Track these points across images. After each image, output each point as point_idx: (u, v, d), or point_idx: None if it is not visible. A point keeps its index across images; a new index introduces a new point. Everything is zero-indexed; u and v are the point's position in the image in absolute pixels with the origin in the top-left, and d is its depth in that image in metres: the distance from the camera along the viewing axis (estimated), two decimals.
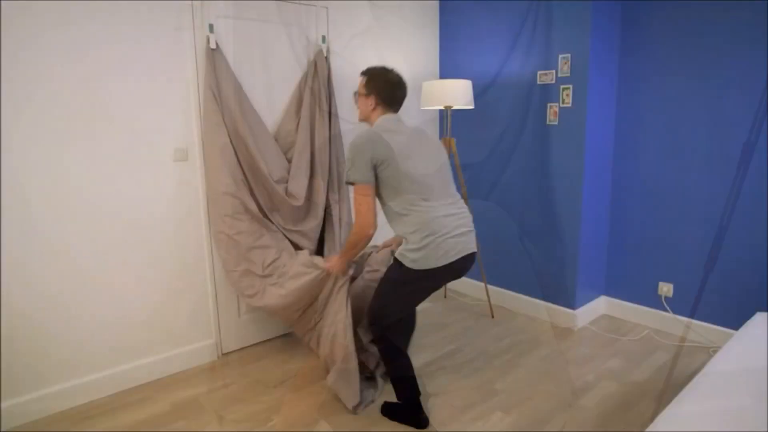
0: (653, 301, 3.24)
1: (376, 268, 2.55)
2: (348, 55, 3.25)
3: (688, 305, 3.08)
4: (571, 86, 3.05)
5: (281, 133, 2.91)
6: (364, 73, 2.17)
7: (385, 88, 2.11)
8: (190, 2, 2.56)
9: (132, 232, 2.54)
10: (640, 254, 3.26)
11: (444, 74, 3.84)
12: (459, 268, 2.06)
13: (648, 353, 2.91)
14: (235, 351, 3.01)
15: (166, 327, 2.72)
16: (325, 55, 2.98)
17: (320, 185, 2.94)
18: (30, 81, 2.16)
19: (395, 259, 2.09)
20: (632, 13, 3.09)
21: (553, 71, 3.13)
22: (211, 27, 2.60)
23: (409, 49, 3.64)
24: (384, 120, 2.11)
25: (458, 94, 3.10)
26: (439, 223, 2.00)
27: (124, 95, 2.42)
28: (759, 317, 2.15)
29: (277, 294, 2.53)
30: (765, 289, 2.75)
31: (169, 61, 2.54)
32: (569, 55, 3.03)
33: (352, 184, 2.01)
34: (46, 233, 2.28)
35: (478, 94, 3.56)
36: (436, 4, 3.77)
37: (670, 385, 2.54)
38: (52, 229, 2.30)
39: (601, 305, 3.49)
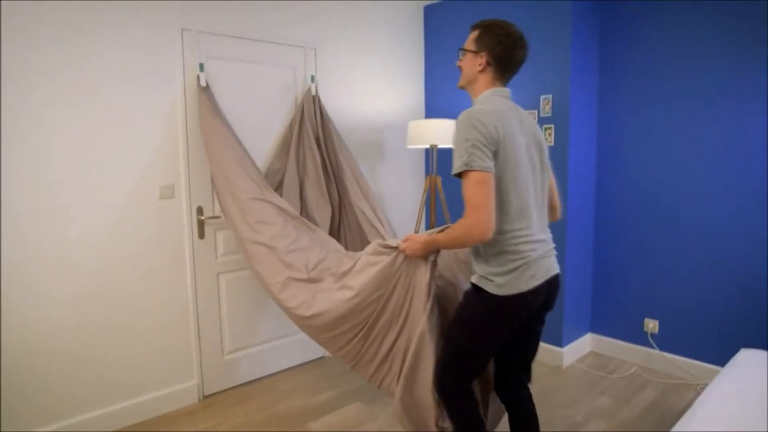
0: (639, 337, 3.25)
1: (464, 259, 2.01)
2: (335, 96, 3.31)
3: (674, 341, 3.10)
4: (553, 126, 3.14)
5: (271, 171, 2.93)
6: (475, 26, 1.70)
7: (503, 44, 1.62)
8: (180, 42, 2.61)
9: (111, 266, 2.49)
10: (625, 290, 3.29)
11: (429, 114, 3.93)
12: (546, 292, 1.69)
13: (636, 391, 2.90)
14: (218, 393, 2.92)
15: (143, 368, 2.63)
16: (313, 93, 3.03)
17: (320, 207, 2.90)
18: (12, 115, 2.17)
19: (472, 287, 1.68)
20: (609, 53, 3.22)
21: (536, 111, 3.22)
22: (201, 66, 2.65)
23: (396, 90, 3.73)
24: (496, 96, 1.65)
25: (443, 133, 3.17)
26: (531, 246, 1.62)
27: (111, 127, 2.43)
28: (744, 354, 2.16)
29: (336, 299, 2.01)
30: (749, 325, 2.78)
31: (157, 99, 2.56)
32: (551, 96, 3.13)
33: (460, 176, 1.53)
34: (21, 269, 2.23)
35: None
36: (422, 46, 3.89)
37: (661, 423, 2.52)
38: (29, 264, 2.24)
39: (588, 342, 3.49)
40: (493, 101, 1.62)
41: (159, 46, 2.54)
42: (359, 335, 2.00)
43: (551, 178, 1.81)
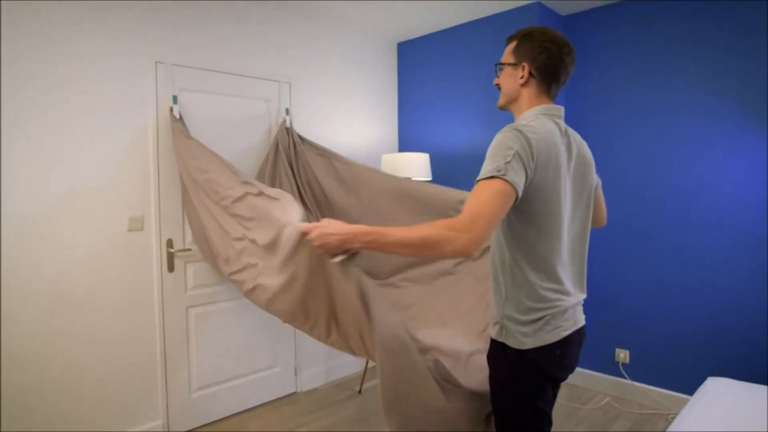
0: (611, 368, 3.28)
1: None
2: (310, 129, 3.34)
3: (645, 371, 3.13)
4: None
5: None
6: (512, 36, 1.46)
7: (547, 51, 1.38)
8: (153, 74, 2.62)
9: (76, 299, 2.40)
10: (596, 320, 3.33)
11: (403, 148, 3.99)
12: (574, 343, 1.46)
13: (610, 422, 2.90)
14: None
15: (105, 407, 2.52)
16: (287, 126, 3.06)
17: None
18: None
19: (494, 345, 1.44)
20: (574, 88, 3.36)
21: None
22: (175, 98, 2.65)
23: (370, 124, 3.79)
24: (544, 115, 1.39)
25: (416, 166, 3.22)
26: (558, 295, 1.39)
27: (79, 157, 2.40)
28: (711, 382, 2.21)
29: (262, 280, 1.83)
30: (715, 354, 2.84)
31: (128, 130, 2.55)
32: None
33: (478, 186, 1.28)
34: None
35: (435, 166, 3.69)
36: (395, 81, 3.99)
37: None
38: None
39: None
40: (541, 120, 1.36)
41: (132, 77, 2.54)
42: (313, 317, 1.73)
43: (598, 193, 1.68)
